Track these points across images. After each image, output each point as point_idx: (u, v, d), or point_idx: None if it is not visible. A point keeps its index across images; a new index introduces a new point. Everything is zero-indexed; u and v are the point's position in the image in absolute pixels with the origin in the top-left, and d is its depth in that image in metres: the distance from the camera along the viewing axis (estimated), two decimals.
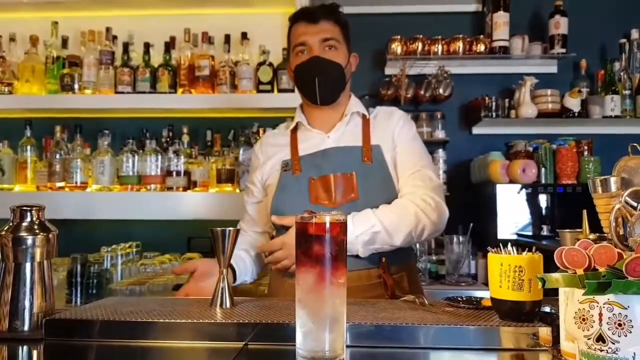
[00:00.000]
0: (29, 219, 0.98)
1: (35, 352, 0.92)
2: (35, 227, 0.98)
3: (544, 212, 2.64)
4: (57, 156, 2.55)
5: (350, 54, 1.54)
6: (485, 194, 2.75)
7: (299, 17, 1.51)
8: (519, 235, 2.63)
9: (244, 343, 0.90)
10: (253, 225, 1.62)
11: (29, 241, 0.96)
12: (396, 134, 1.52)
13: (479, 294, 2.20)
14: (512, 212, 2.65)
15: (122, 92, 2.55)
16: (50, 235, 1.00)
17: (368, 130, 1.51)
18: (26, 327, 0.96)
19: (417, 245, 2.54)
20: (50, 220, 1.04)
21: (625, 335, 0.65)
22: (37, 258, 0.97)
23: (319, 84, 1.46)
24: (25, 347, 0.93)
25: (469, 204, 2.77)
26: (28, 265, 0.97)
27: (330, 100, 1.51)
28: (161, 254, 2.30)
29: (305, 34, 1.47)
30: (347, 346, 0.87)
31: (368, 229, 1.35)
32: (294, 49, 1.50)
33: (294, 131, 1.57)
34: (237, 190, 2.47)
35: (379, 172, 1.45)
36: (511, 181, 2.67)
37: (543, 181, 2.70)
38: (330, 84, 1.49)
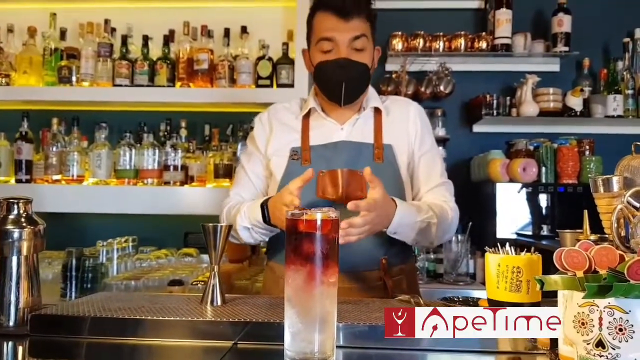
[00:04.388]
0: (15, 211, 0.96)
1: (20, 348, 0.90)
2: (22, 220, 0.96)
3: (544, 211, 2.62)
4: (54, 149, 2.53)
5: (374, 48, 1.46)
6: (485, 192, 2.72)
7: (329, 7, 1.37)
8: (518, 234, 2.60)
9: (233, 342, 0.87)
10: (255, 194, 1.50)
11: (15, 234, 0.94)
12: (414, 138, 1.48)
13: (477, 293, 2.18)
14: (511, 211, 2.62)
15: (120, 85, 2.53)
16: (38, 229, 0.97)
17: (380, 126, 1.46)
18: (11, 323, 0.94)
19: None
20: (45, 213, 1.01)
21: (626, 341, 0.62)
22: (24, 252, 0.95)
23: (345, 89, 1.38)
24: (10, 343, 0.91)
25: (468, 203, 2.73)
26: (14, 259, 0.95)
27: (353, 101, 1.44)
28: (157, 249, 2.28)
29: (333, 30, 1.36)
30: (340, 347, 0.84)
31: (427, 218, 1.34)
32: (318, 42, 1.40)
33: (306, 116, 1.49)
34: None
35: (389, 173, 1.41)
36: (511, 180, 2.64)
37: (543, 180, 2.67)
38: (355, 86, 1.41)
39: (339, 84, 1.38)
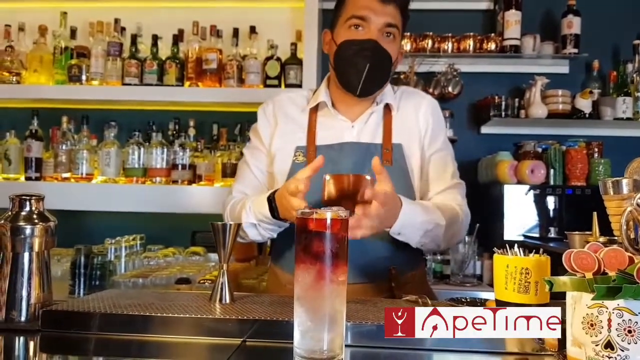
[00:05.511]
0: (27, 208, 0.97)
1: (31, 343, 0.91)
2: (34, 216, 0.97)
3: (552, 214, 2.61)
4: (63, 147, 2.55)
5: (399, 50, 1.40)
6: (493, 194, 2.72)
7: None
8: (525, 236, 2.59)
9: (242, 340, 0.88)
10: (259, 190, 1.42)
11: (28, 231, 0.95)
12: (425, 136, 1.40)
13: (484, 295, 2.17)
14: (519, 213, 2.61)
15: (130, 84, 2.55)
16: (49, 225, 0.98)
17: (390, 123, 1.38)
18: (23, 318, 0.94)
19: None
20: (55, 211, 1.02)
21: (635, 343, 0.63)
22: (36, 248, 0.96)
23: (367, 74, 1.29)
24: (21, 338, 0.92)
25: (476, 204, 2.72)
26: (26, 255, 0.96)
27: (369, 94, 1.36)
28: (165, 247, 2.30)
29: (369, 9, 1.30)
30: (348, 346, 0.85)
31: (434, 218, 1.26)
32: (348, 20, 1.32)
33: (314, 109, 1.41)
34: None
35: (398, 176, 1.32)
36: (519, 182, 2.63)
37: (552, 182, 2.66)
38: (377, 76, 1.33)
39: (361, 66, 1.29)
